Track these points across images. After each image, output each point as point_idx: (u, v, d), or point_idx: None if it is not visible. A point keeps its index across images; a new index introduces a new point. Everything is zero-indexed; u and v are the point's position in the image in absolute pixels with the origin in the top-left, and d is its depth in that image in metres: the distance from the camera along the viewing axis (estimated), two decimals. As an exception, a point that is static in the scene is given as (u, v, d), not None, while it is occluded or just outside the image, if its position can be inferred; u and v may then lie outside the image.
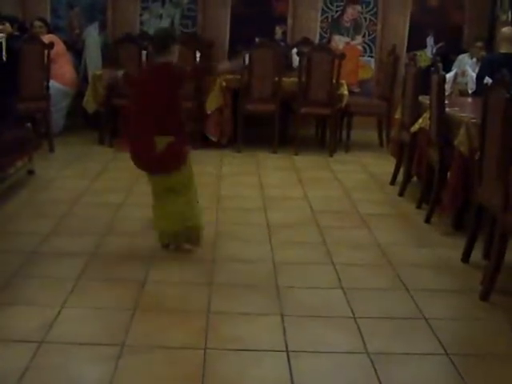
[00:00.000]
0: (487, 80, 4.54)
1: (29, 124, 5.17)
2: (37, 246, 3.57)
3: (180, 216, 3.47)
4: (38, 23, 6.50)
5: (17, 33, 6.14)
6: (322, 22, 7.61)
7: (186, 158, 3.48)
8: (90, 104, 6.31)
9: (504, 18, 6.97)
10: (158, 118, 3.34)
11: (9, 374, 2.30)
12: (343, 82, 6.37)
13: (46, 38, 6.09)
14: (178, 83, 3.40)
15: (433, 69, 4.40)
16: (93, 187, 4.87)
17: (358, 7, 7.59)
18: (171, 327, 2.71)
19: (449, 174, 4.14)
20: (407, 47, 7.56)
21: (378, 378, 2.38)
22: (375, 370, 2.43)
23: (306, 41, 7.23)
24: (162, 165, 3.41)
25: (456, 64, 6.68)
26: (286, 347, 2.58)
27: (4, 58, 5.20)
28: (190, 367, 2.41)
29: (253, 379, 2.35)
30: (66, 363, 2.40)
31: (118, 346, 2.52)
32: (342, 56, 6.26)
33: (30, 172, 5.00)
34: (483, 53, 6.51)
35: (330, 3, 7.57)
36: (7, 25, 6.01)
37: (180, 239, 3.55)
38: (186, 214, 3.48)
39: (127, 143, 3.46)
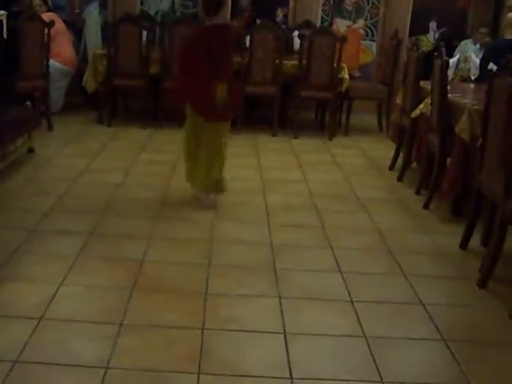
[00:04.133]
0: (492, 66, 4.52)
1: (28, 102, 5.14)
2: (37, 224, 3.57)
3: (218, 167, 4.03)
4: (37, 1, 6.42)
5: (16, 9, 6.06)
6: (323, 4, 7.54)
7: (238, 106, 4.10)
8: (89, 83, 6.26)
9: (510, 3, 6.91)
10: (215, 68, 3.77)
11: (8, 349, 2.31)
12: (344, 65, 6.33)
13: (46, 17, 6.03)
14: (235, 40, 4.11)
15: (435, 54, 4.37)
16: (92, 166, 4.86)
17: (361, -10, 7.53)
18: (169, 307, 2.72)
19: (449, 160, 4.13)
20: (409, 32, 7.51)
21: (375, 361, 2.40)
22: (372, 353, 2.45)
23: (308, 24, 7.17)
24: (224, 112, 3.88)
25: (458, 50, 6.64)
26: (284, 329, 2.59)
27: (5, 36, 5.16)
28: (188, 347, 2.42)
29: (250, 360, 2.36)
30: (65, 340, 2.41)
31: (116, 325, 2.53)
32: (344, 39, 6.22)
33: (30, 150, 4.98)
34: (487, 39, 6.47)
35: (333, -14, 7.51)
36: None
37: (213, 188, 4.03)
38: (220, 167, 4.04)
39: (181, 94, 3.96)
